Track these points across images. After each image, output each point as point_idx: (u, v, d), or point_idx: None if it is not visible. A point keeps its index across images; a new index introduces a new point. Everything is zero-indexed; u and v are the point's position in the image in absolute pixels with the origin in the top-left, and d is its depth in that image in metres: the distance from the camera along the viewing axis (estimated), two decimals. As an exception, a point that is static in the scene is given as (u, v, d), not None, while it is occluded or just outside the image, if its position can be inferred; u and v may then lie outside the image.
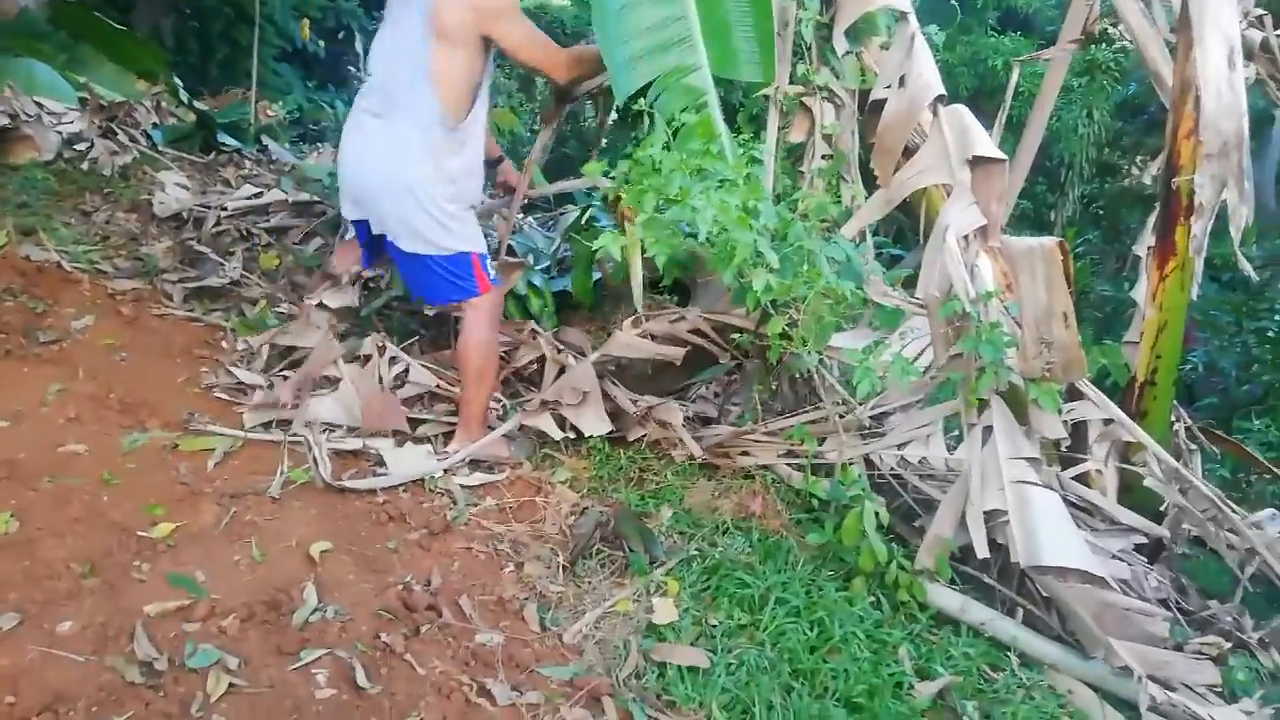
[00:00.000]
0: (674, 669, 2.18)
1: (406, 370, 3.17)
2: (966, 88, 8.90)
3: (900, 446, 2.90)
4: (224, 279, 3.80)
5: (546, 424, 3.02)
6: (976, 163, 2.64)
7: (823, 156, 3.23)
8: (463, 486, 2.78)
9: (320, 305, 3.27)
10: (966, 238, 2.60)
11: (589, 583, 2.48)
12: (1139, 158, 9.62)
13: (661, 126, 2.77)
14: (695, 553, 2.61)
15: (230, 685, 1.84)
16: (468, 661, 2.09)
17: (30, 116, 4.49)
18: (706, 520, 2.77)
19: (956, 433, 2.86)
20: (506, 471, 2.91)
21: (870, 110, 3.04)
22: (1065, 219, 9.17)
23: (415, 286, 3.03)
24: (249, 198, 4.49)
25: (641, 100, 2.94)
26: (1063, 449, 2.91)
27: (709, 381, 3.50)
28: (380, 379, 3.10)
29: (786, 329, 2.63)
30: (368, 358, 3.16)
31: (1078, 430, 2.94)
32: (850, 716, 2.10)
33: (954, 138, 2.70)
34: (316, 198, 4.50)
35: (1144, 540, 2.80)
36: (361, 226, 2.97)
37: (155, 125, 5.26)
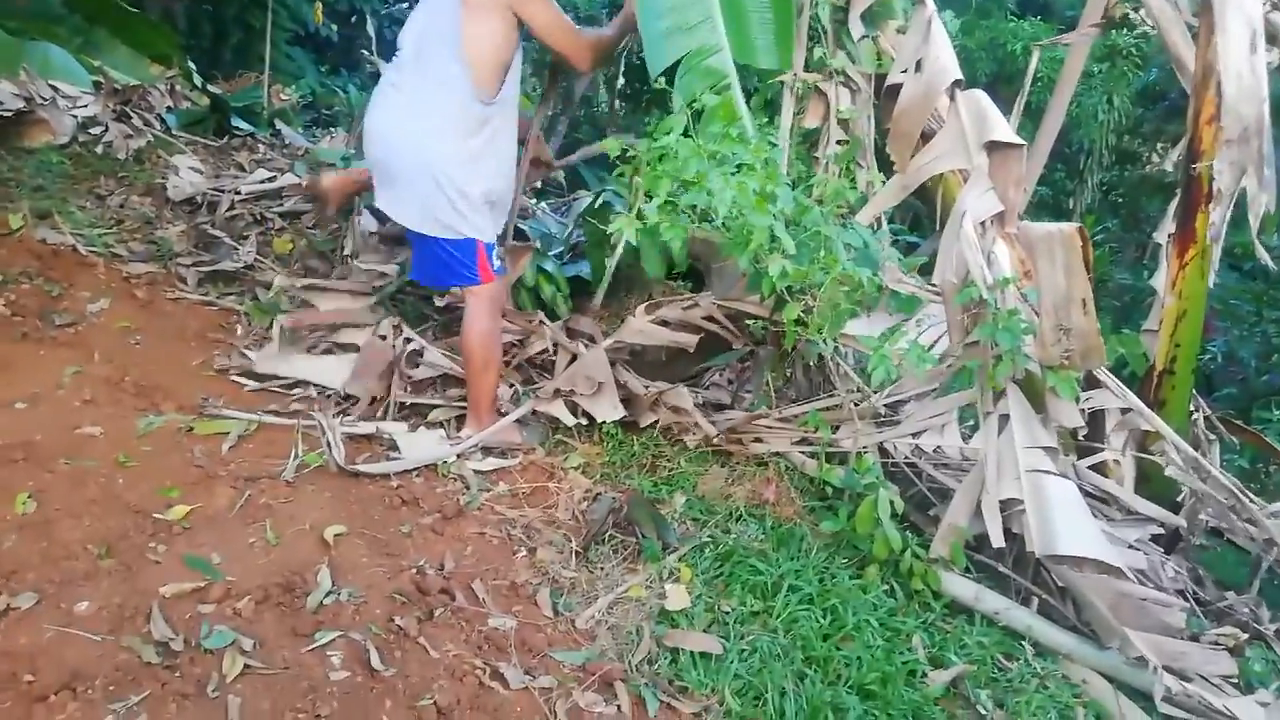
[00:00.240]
0: (686, 655, 2.18)
1: (421, 352, 3.18)
2: (985, 73, 8.79)
3: (915, 435, 2.88)
4: (238, 263, 3.82)
5: (559, 410, 3.02)
6: (994, 148, 2.60)
7: (838, 142, 3.19)
8: (475, 471, 2.79)
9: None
10: (984, 224, 2.57)
11: (601, 568, 2.48)
12: (1159, 145, 9.49)
13: (682, 108, 2.74)
14: (708, 539, 2.61)
15: (245, 666, 1.85)
16: (481, 645, 2.09)
17: (45, 100, 4.51)
18: (719, 507, 2.76)
19: (972, 422, 2.84)
20: (519, 457, 2.91)
21: (886, 95, 3.00)
22: (1084, 207, 9.07)
23: (418, 266, 3.01)
24: (262, 182, 4.50)
25: (659, 81, 2.91)
26: (1080, 438, 2.88)
27: (722, 368, 3.49)
28: (395, 356, 3.13)
29: (801, 315, 2.61)
30: (383, 337, 3.18)
31: (1095, 419, 2.91)
32: (863, 704, 2.09)
33: (971, 123, 2.66)
34: (330, 182, 4.49)
35: (1161, 531, 2.78)
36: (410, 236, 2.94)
37: (169, 109, 5.27)
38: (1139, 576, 2.47)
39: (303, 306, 3.47)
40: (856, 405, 2.90)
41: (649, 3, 2.97)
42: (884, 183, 3.07)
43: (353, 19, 10.83)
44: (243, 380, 3.07)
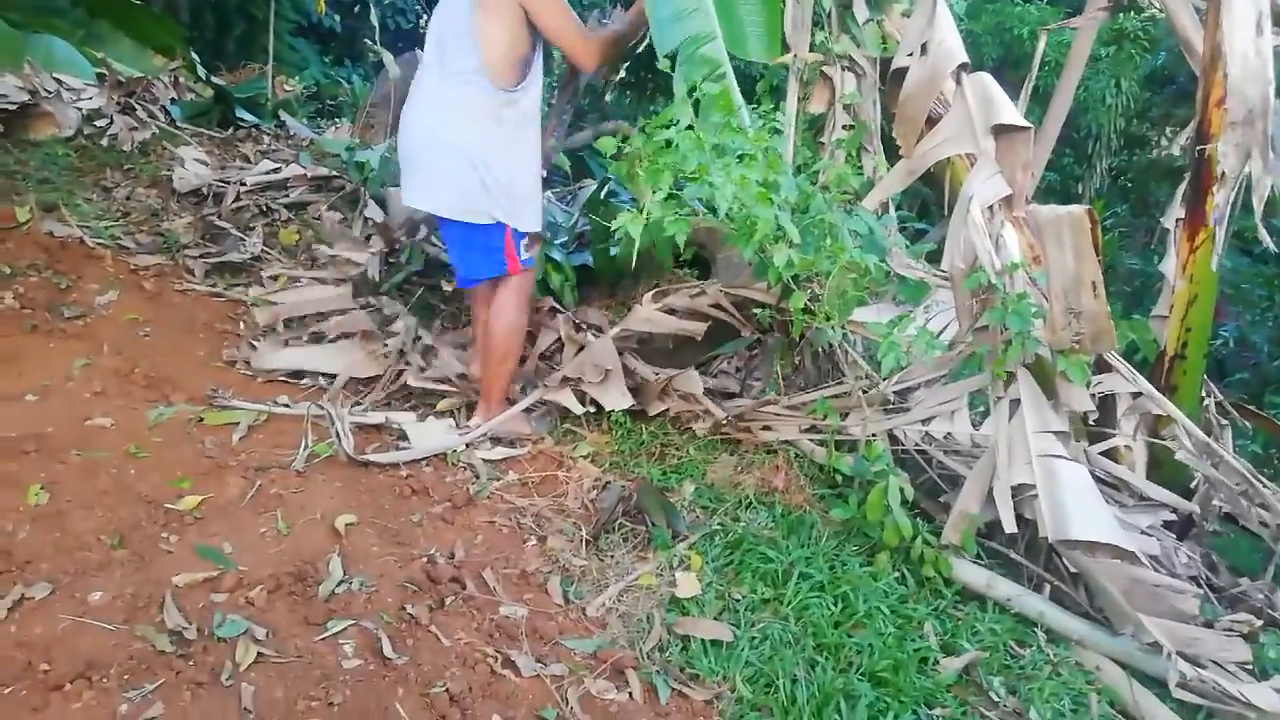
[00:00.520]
0: (697, 642, 2.18)
1: (435, 351, 3.21)
2: (992, 58, 8.73)
3: (925, 421, 2.87)
4: (245, 254, 3.82)
5: (567, 399, 3.02)
6: (1001, 131, 2.58)
7: (844, 127, 3.16)
8: (485, 461, 2.79)
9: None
10: (991, 208, 2.55)
11: (612, 557, 2.48)
12: (1168, 129, 9.42)
13: (683, 98, 2.73)
14: (718, 527, 2.61)
15: (258, 655, 1.85)
16: (492, 633, 2.09)
17: (50, 93, 4.51)
18: (729, 495, 2.76)
19: (982, 408, 2.83)
20: (528, 446, 2.91)
21: (892, 79, 2.98)
22: (1092, 192, 9.02)
23: (456, 261, 3.03)
24: (268, 173, 4.49)
25: (656, 70, 2.90)
26: (1091, 423, 2.87)
27: (730, 356, 3.48)
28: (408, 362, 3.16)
29: (808, 303, 2.60)
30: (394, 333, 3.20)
31: (1106, 404, 2.90)
32: (875, 691, 2.09)
33: (978, 106, 2.64)
34: (335, 172, 4.50)
35: (1173, 517, 2.76)
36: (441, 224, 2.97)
37: (173, 101, 5.27)
38: (1152, 562, 2.45)
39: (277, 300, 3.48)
40: (865, 392, 2.89)
41: None
42: (890, 168, 3.06)
43: (356, 9, 10.81)
44: (251, 371, 3.08)
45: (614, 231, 2.44)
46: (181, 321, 3.29)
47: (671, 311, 3.08)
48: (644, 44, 3.24)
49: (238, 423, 2.70)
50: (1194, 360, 2.97)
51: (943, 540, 2.52)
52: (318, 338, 3.29)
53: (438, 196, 2.82)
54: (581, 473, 2.81)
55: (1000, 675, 2.24)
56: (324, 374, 3.15)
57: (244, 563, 2.12)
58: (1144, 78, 9.15)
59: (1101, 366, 2.83)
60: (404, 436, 2.82)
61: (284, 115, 6.08)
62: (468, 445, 2.83)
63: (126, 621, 1.88)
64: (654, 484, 2.77)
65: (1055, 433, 2.39)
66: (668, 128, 2.53)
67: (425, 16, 10.59)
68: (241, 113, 5.64)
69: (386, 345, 3.26)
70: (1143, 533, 2.58)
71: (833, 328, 2.62)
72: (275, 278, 3.68)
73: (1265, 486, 2.69)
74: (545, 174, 3.17)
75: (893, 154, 3.06)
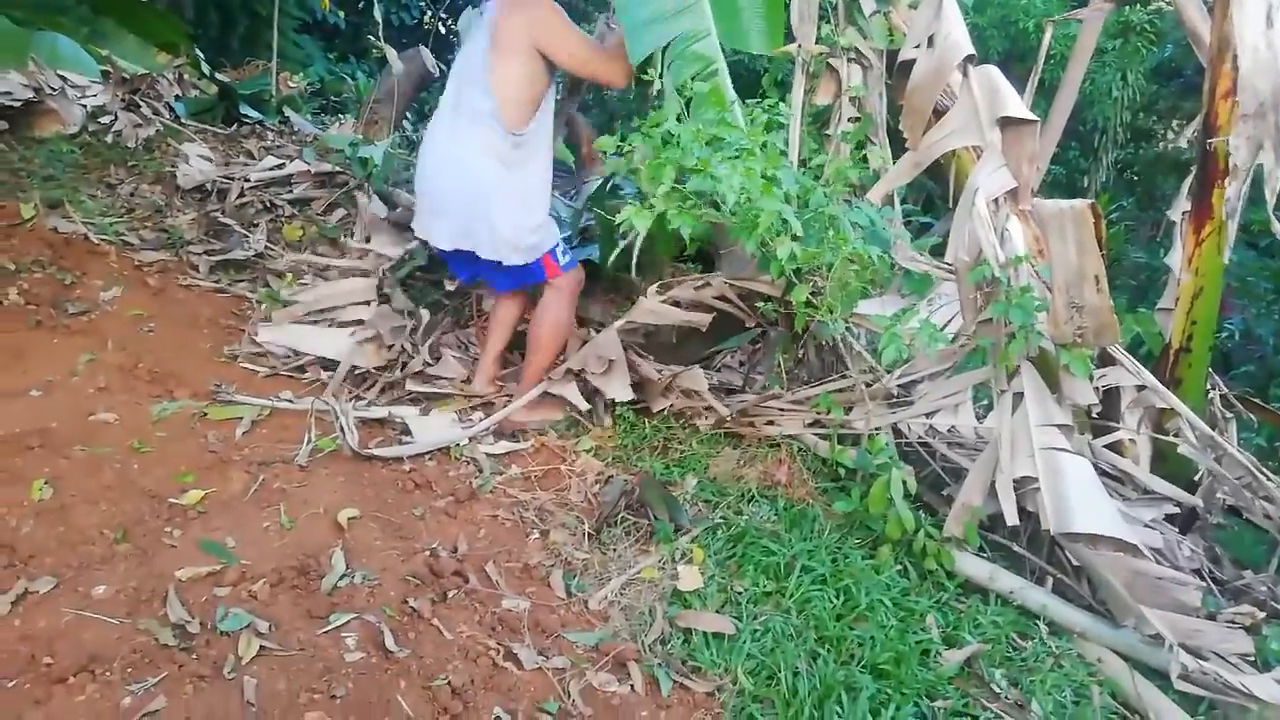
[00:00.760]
0: (699, 635, 2.18)
1: (439, 355, 3.23)
2: (998, 51, 8.69)
3: (929, 415, 2.86)
4: (249, 251, 3.83)
5: (571, 393, 3.02)
6: (1007, 124, 2.57)
7: (849, 119, 3.15)
8: (488, 455, 2.80)
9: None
10: (997, 201, 2.54)
11: (614, 550, 2.48)
12: (1175, 122, 9.38)
13: (673, 95, 2.73)
14: (720, 521, 2.61)
15: (261, 648, 1.86)
16: (494, 626, 2.10)
17: (54, 90, 4.52)
18: (731, 488, 2.76)
19: (986, 401, 2.82)
20: (531, 440, 2.91)
21: (898, 71, 2.97)
22: (1099, 185, 8.98)
23: (493, 281, 3.13)
24: (272, 169, 4.49)
25: (650, 71, 2.89)
26: (1094, 416, 2.86)
27: (733, 350, 3.47)
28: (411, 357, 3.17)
29: (811, 296, 2.60)
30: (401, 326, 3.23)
31: (1110, 397, 2.88)
32: (877, 683, 2.09)
33: (984, 98, 2.63)
34: (338, 168, 4.50)
35: (1177, 510, 2.76)
36: (444, 254, 3.06)
37: (177, 97, 5.28)
38: (1155, 555, 2.44)
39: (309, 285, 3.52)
40: (869, 386, 2.89)
41: None
42: (896, 160, 3.05)
43: (360, 6, 10.79)
44: (255, 367, 3.08)
45: (618, 225, 2.44)
46: (185, 317, 3.30)
47: (676, 304, 3.08)
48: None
49: (241, 418, 2.71)
50: (1199, 353, 2.96)
51: (945, 533, 2.52)
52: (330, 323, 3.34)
53: (479, 241, 2.88)
54: (584, 466, 2.81)
55: (1002, 667, 2.24)
56: (327, 361, 3.16)
57: (247, 557, 2.13)
58: (1151, 71, 9.10)
59: (1105, 360, 2.82)
60: (407, 431, 2.83)
61: (288, 111, 6.08)
62: (471, 439, 2.83)
63: (129, 615, 1.89)
64: (656, 478, 2.77)
65: (1058, 426, 2.38)
66: (658, 127, 2.53)
67: (429, 12, 10.60)
68: (246, 109, 5.65)
69: (392, 341, 3.27)
70: (1146, 526, 2.57)
71: (835, 321, 2.61)
72: (284, 273, 3.68)
73: (1269, 480, 2.67)
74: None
75: (898, 147, 3.05)
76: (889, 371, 2.94)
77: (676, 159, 2.44)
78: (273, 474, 2.48)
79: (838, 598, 2.34)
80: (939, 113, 2.84)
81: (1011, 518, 2.39)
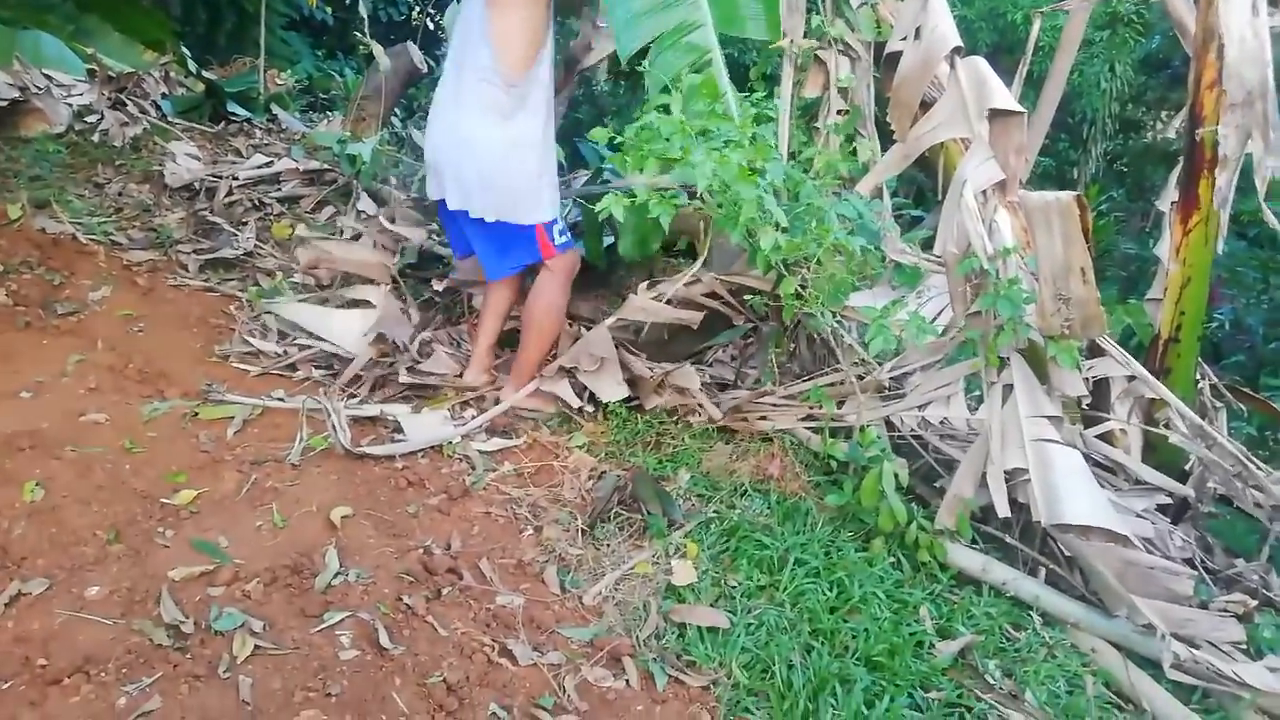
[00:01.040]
0: (694, 629, 2.19)
1: (430, 350, 3.22)
2: (986, 43, 8.70)
3: (921, 407, 2.87)
4: (238, 250, 3.81)
5: (564, 390, 3.02)
6: (994, 115, 2.58)
7: (838, 112, 3.16)
8: (481, 452, 2.79)
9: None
10: (985, 193, 2.55)
11: (608, 545, 2.49)
12: (1163, 113, 9.41)
13: (658, 87, 2.73)
14: (713, 515, 2.61)
15: (256, 647, 1.86)
16: (489, 623, 2.10)
17: (40, 89, 4.49)
18: (724, 483, 2.76)
19: (978, 393, 2.83)
20: (524, 436, 2.91)
21: (886, 63, 2.97)
22: (1088, 177, 9.01)
23: (484, 259, 3.07)
24: (260, 167, 4.48)
25: (644, 63, 2.89)
26: (1085, 407, 2.87)
27: (725, 345, 3.48)
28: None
29: (800, 289, 2.60)
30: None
31: (1100, 388, 2.91)
32: (871, 675, 2.10)
33: (971, 90, 2.64)
34: (327, 166, 4.48)
35: (1168, 500, 2.77)
36: (445, 214, 3.03)
37: (164, 96, 5.25)
38: (1146, 545, 2.46)
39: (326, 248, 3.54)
40: (861, 379, 2.89)
41: None
42: (884, 152, 3.05)
43: (348, 2, 10.72)
44: (246, 366, 3.07)
45: (599, 213, 2.44)
46: (175, 317, 3.29)
47: (667, 301, 3.08)
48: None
49: (233, 417, 2.70)
50: (1188, 343, 2.98)
51: (937, 525, 2.53)
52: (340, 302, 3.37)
53: (472, 199, 2.86)
54: (577, 462, 2.81)
55: (996, 658, 2.25)
56: (320, 358, 3.16)
57: (240, 556, 2.13)
58: (1139, 62, 9.13)
59: (1095, 350, 2.83)
60: (399, 429, 2.82)
61: (276, 109, 6.05)
62: (463, 437, 2.83)
63: (123, 616, 1.89)
64: (650, 473, 2.77)
65: (1048, 417, 2.40)
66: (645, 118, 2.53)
67: (417, 8, 10.55)
68: (233, 107, 5.61)
69: (393, 335, 3.26)
70: (1137, 516, 2.59)
71: (825, 313, 2.62)
72: (273, 272, 3.67)
73: (1259, 468, 2.69)
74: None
75: (887, 139, 3.06)
76: (880, 364, 2.95)
77: (661, 151, 2.44)
78: (265, 473, 2.47)
79: (831, 591, 2.35)
80: (927, 105, 2.84)
81: (1003, 509, 2.40)
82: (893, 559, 2.51)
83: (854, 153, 3.06)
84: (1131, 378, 2.83)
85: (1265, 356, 5.33)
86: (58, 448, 2.38)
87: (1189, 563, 2.57)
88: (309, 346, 3.21)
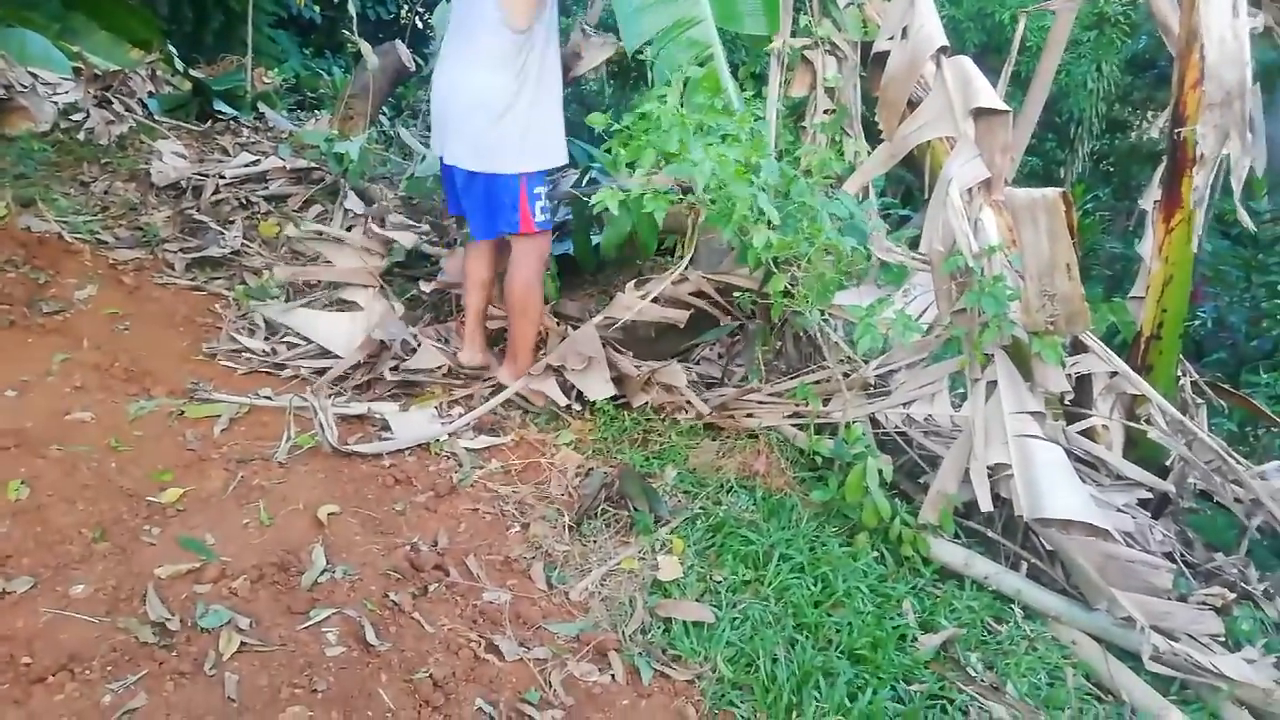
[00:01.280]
0: (679, 624, 2.20)
1: (417, 344, 3.22)
2: (974, 43, 8.72)
3: (905, 404, 2.89)
4: (224, 248, 3.80)
5: (551, 389, 3.02)
6: (980, 114, 2.60)
7: (825, 111, 3.18)
8: (468, 449, 2.80)
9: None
10: (970, 191, 2.57)
11: (594, 542, 2.50)
12: (1149, 113, 9.47)
13: (660, 80, 2.73)
14: (699, 511, 2.63)
15: (242, 644, 1.86)
16: (475, 619, 2.11)
17: (25, 87, 4.47)
18: (710, 480, 2.78)
19: (962, 390, 2.85)
20: (511, 434, 2.92)
21: (873, 63, 2.99)
22: (1075, 176, 9.06)
23: (471, 217, 3.07)
24: (247, 165, 4.47)
25: (642, 56, 2.90)
26: (1067, 403, 2.90)
27: (712, 343, 3.49)
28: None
29: (789, 287, 2.61)
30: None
31: (1083, 384, 2.93)
32: (854, 668, 2.12)
33: (957, 89, 2.66)
34: (314, 164, 4.47)
35: (1149, 495, 2.80)
36: (445, 170, 3.05)
37: (151, 94, 5.23)
38: (1126, 539, 2.49)
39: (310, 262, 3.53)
40: (846, 376, 2.91)
41: None
42: (871, 152, 3.07)
43: (336, 0, 10.70)
44: (232, 364, 3.07)
45: (592, 206, 2.44)
46: (161, 315, 3.28)
47: (654, 299, 3.09)
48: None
49: (219, 415, 2.70)
50: (1169, 340, 3.01)
51: (920, 520, 2.55)
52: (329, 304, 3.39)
53: (461, 148, 2.89)
54: (564, 459, 2.82)
55: (978, 651, 2.27)
56: (307, 356, 3.15)
57: (226, 553, 2.13)
58: (1125, 62, 9.18)
59: (1078, 347, 2.86)
60: (387, 426, 2.83)
61: (263, 107, 6.02)
62: (451, 434, 2.84)
63: (109, 614, 1.89)
64: (636, 469, 2.78)
65: (1031, 413, 2.42)
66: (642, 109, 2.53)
67: (404, 7, 10.52)
68: (220, 105, 5.59)
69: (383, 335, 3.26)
70: (1118, 510, 2.61)
71: (812, 311, 2.63)
72: (260, 270, 3.67)
73: (1239, 464, 2.73)
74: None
75: (874, 138, 3.08)
76: (866, 362, 2.97)
77: (659, 143, 2.44)
78: (252, 471, 2.47)
79: (816, 585, 2.37)
80: (914, 104, 2.86)
81: (986, 504, 2.42)
82: (876, 554, 2.53)
83: (841, 152, 3.07)
84: (1114, 374, 2.86)
85: (1246, 354, 5.38)
86: (43, 446, 2.38)
87: (1169, 557, 2.60)
88: (296, 344, 3.21)
